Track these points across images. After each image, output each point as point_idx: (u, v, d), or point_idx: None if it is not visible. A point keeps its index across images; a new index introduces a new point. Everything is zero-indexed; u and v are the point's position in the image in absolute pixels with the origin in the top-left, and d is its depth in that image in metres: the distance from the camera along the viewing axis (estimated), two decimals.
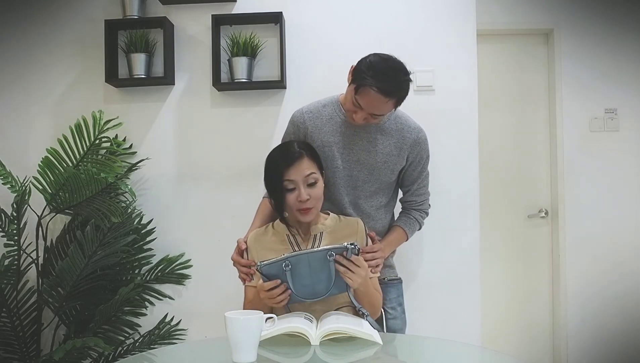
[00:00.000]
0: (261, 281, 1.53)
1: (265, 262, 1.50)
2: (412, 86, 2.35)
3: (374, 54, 1.74)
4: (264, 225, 1.79)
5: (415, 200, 1.99)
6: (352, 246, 1.50)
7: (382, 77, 1.67)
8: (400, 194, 2.05)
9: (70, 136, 2.34)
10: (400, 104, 1.77)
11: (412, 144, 1.88)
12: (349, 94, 1.76)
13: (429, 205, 2.04)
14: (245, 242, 1.74)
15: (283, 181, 1.62)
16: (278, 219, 1.75)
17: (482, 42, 2.62)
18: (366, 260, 1.63)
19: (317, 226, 1.71)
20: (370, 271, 1.66)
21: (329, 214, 1.77)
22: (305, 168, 1.63)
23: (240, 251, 1.73)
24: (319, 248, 1.54)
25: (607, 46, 3.26)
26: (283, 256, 1.50)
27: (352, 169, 1.87)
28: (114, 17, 2.46)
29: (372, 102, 1.70)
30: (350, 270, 1.50)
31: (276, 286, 1.49)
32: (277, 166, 1.64)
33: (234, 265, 1.74)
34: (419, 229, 2.03)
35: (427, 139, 1.93)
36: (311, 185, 1.64)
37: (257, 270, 1.52)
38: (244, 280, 1.70)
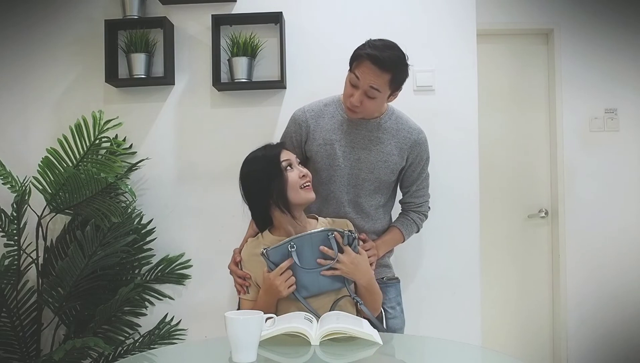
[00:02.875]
0: (267, 272, 1.60)
1: (271, 247, 1.58)
2: (412, 86, 2.39)
3: (374, 38, 1.77)
4: (255, 237, 1.79)
5: (414, 202, 1.99)
6: (350, 232, 1.63)
7: (378, 50, 1.71)
8: (400, 196, 2.05)
9: (70, 136, 2.34)
10: (396, 85, 1.77)
11: (412, 145, 1.89)
12: (347, 80, 1.79)
13: (429, 208, 2.04)
14: (240, 253, 1.77)
15: (281, 162, 1.68)
16: (268, 230, 1.76)
17: (482, 42, 2.62)
18: None
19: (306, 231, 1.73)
20: None
21: (317, 218, 1.80)
22: (289, 153, 1.74)
23: (236, 262, 1.76)
24: (320, 229, 1.64)
25: (607, 46, 3.26)
26: (287, 239, 1.60)
27: (352, 167, 1.88)
28: (114, 17, 2.46)
29: (367, 72, 1.71)
30: (338, 269, 1.61)
31: (285, 270, 1.58)
32: (269, 155, 1.71)
33: (230, 274, 1.76)
34: (417, 231, 2.03)
35: (427, 141, 1.94)
36: (300, 165, 1.75)
37: (262, 255, 1.59)
38: (239, 292, 1.72)
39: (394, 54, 1.72)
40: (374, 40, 1.76)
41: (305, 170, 1.73)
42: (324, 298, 1.64)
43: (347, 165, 1.88)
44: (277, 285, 1.56)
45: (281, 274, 1.57)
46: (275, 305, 1.61)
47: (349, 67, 1.78)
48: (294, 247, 1.57)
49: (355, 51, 1.76)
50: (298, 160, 1.75)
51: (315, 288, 1.61)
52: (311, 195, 1.71)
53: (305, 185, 1.70)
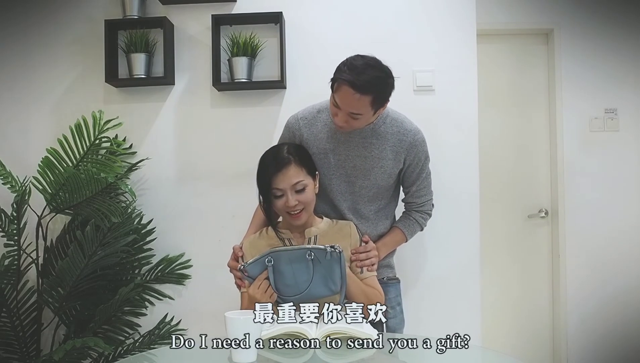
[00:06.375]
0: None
1: (250, 261, 1.58)
2: (412, 86, 2.39)
3: (356, 54, 1.71)
4: (258, 231, 1.81)
5: (416, 202, 1.97)
6: (332, 249, 1.56)
7: (356, 72, 1.64)
8: (402, 195, 2.04)
9: (70, 136, 2.34)
10: (379, 104, 1.71)
11: (408, 147, 1.85)
12: (331, 96, 1.74)
13: (432, 206, 2.02)
14: (241, 248, 1.76)
15: (271, 189, 1.66)
16: (273, 226, 1.77)
17: (482, 42, 2.62)
18: (360, 260, 1.72)
19: (311, 229, 1.74)
20: (367, 269, 1.73)
21: (322, 218, 1.80)
22: (292, 176, 1.67)
23: (236, 258, 1.75)
24: (298, 246, 1.60)
25: (607, 46, 3.26)
26: (265, 252, 1.59)
27: (348, 175, 1.86)
28: (114, 17, 2.46)
29: (346, 98, 1.66)
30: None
31: (262, 282, 1.57)
32: (265, 174, 1.68)
33: (230, 271, 1.76)
34: (421, 230, 2.02)
35: (425, 141, 1.90)
36: (300, 191, 1.68)
37: (240, 269, 1.60)
38: (239, 287, 1.72)
39: (373, 75, 1.65)
40: (354, 58, 1.68)
41: (295, 201, 1.66)
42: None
43: (342, 173, 1.86)
44: (257, 298, 1.56)
45: (259, 286, 1.58)
46: None
47: (331, 84, 1.72)
48: (271, 262, 1.57)
49: (335, 72, 1.69)
50: (302, 183, 1.67)
51: (295, 289, 1.60)
52: (297, 222, 1.70)
53: (292, 212, 1.68)
